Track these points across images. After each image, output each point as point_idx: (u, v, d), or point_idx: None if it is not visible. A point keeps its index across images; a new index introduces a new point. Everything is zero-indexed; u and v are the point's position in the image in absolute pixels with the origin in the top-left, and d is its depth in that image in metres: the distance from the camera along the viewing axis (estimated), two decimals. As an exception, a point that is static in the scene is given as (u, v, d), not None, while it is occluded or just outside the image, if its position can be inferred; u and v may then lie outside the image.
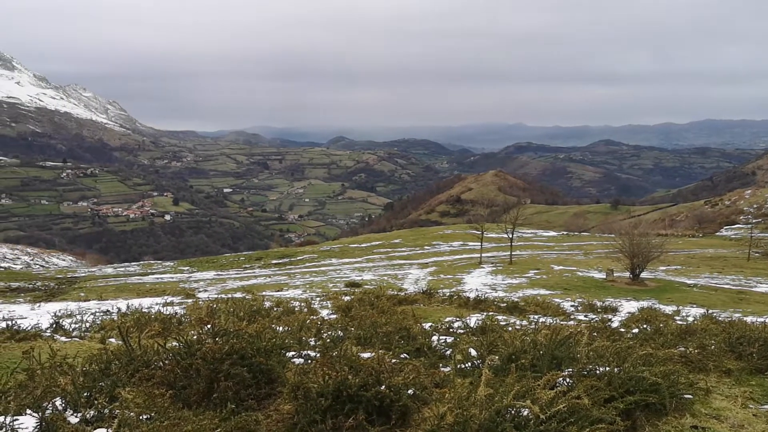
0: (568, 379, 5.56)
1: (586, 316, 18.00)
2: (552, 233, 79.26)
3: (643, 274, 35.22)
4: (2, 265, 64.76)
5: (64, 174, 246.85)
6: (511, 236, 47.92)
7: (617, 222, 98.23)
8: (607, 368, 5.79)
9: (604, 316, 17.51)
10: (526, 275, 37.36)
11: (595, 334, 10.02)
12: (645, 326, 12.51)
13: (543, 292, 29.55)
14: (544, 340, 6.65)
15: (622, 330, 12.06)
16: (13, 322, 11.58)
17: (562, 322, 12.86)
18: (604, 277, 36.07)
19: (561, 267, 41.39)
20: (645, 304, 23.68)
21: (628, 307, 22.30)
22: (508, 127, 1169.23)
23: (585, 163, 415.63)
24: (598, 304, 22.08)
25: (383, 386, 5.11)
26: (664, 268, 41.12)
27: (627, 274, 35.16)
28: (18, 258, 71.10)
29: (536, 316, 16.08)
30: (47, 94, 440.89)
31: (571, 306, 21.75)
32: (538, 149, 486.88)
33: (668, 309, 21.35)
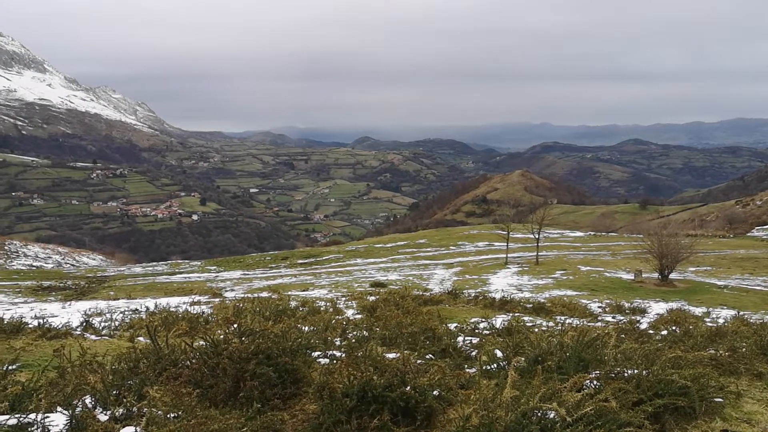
0: (595, 382, 5.50)
1: (613, 317, 17.80)
2: (579, 233, 78.50)
3: (672, 275, 34.73)
4: (34, 264, 66.00)
5: (94, 174, 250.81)
6: (537, 236, 47.57)
7: (645, 222, 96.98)
8: (636, 371, 5.71)
9: (632, 317, 17.30)
10: (553, 276, 37.06)
11: (623, 335, 9.90)
12: (674, 328, 12.34)
13: (569, 293, 29.29)
14: (570, 341, 6.59)
15: (651, 332, 11.91)
16: (45, 320, 11.79)
17: (589, 324, 12.73)
18: (632, 278, 35.63)
19: (588, 268, 40.98)
20: (674, 305, 23.34)
21: (657, 308, 22.00)
22: (534, 127, 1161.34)
23: (613, 163, 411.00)
24: (626, 305, 21.81)
25: (408, 387, 5.10)
26: (694, 269, 40.49)
27: (656, 275, 34.70)
28: (49, 257, 72.40)
29: (563, 318, 15.94)
30: (78, 96, 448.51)
31: (599, 307, 21.52)
32: (564, 149, 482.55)
33: (698, 311, 21.04)
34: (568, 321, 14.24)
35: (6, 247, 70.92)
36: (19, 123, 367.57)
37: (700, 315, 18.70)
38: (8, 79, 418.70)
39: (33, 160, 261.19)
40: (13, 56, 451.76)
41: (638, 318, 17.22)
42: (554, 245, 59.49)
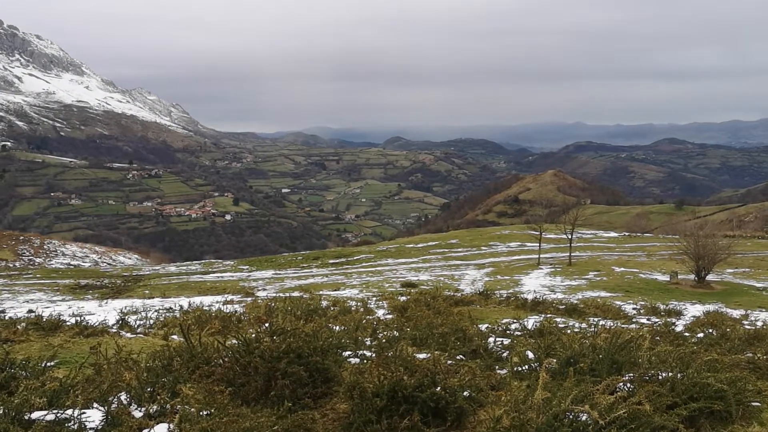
0: (628, 384, 5.43)
1: (648, 319, 17.52)
2: (613, 234, 77.40)
3: (709, 277, 34.06)
4: (72, 263, 67.41)
5: (130, 175, 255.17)
6: (570, 237, 47.03)
7: (682, 223, 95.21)
8: (670, 374, 5.62)
9: (668, 319, 17.00)
10: (586, 277, 36.62)
11: (658, 338, 9.75)
12: (710, 331, 12.11)
13: (603, 294, 28.91)
14: (603, 343, 6.51)
15: (687, 334, 11.71)
16: (82, 318, 12.03)
17: (623, 326, 12.56)
18: (668, 279, 35.03)
19: (622, 269, 40.40)
20: (711, 307, 22.88)
21: (693, 310, 21.59)
22: (567, 126, 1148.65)
23: (648, 163, 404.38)
24: (662, 307, 21.45)
25: (439, 387, 5.09)
26: (732, 270, 39.64)
27: (692, 276, 34.07)
28: (87, 256, 73.86)
29: (596, 319, 15.74)
30: (114, 98, 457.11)
31: (633, 309, 21.20)
32: (598, 148, 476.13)
33: (735, 313, 20.59)
34: (601, 323, 14.06)
35: (45, 246, 72.57)
36: (58, 125, 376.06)
37: (737, 318, 18.31)
38: (47, 82, 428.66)
39: (71, 161, 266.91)
40: (52, 59, 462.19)
41: (674, 320, 16.92)
42: (588, 246, 58.77)
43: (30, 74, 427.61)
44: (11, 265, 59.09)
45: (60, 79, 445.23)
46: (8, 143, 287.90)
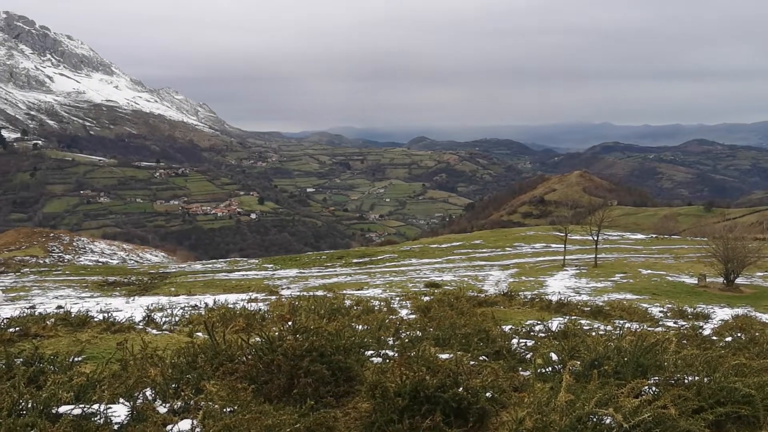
0: (653, 388, 5.36)
1: (675, 322, 17.30)
2: (640, 236, 76.47)
3: (738, 280, 33.49)
4: (100, 260, 68.43)
5: (158, 174, 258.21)
6: (596, 238, 46.58)
7: (710, 225, 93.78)
8: (697, 377, 5.54)
9: (695, 323, 16.77)
10: (612, 279, 36.24)
11: (685, 341, 9.63)
12: (739, 335, 11.93)
13: (629, 296, 28.59)
14: (628, 346, 6.45)
15: (714, 338, 11.54)
16: (109, 314, 12.20)
17: (649, 328, 12.41)
18: (696, 282, 34.51)
19: (649, 271, 39.90)
20: (740, 311, 22.50)
21: (722, 314, 21.25)
22: (593, 127, 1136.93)
23: (676, 164, 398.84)
24: (689, 310, 21.15)
25: (461, 388, 5.08)
26: (762, 274, 38.93)
27: (720, 279, 33.53)
28: (115, 253, 74.94)
29: (622, 322, 15.58)
30: (142, 97, 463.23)
31: (660, 312, 20.94)
32: (625, 149, 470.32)
33: (765, 317, 20.24)
34: (627, 325, 13.91)
35: (74, 244, 73.76)
36: (88, 124, 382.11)
37: (767, 321, 17.99)
38: (78, 82, 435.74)
39: (100, 160, 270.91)
40: (83, 59, 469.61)
41: (701, 323, 16.68)
42: (614, 248, 58.16)
43: (61, 74, 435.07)
44: (41, 262, 60.14)
45: (90, 79, 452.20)
46: (39, 142, 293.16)
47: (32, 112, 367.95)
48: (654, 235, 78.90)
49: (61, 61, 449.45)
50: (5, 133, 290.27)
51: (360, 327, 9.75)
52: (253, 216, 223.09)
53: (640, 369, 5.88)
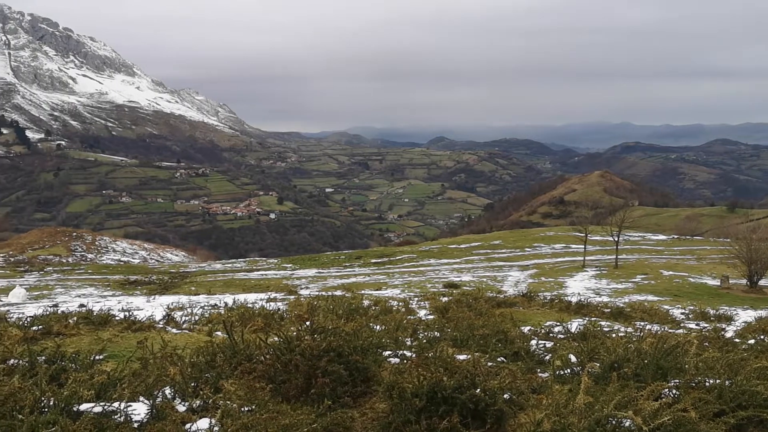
0: (674, 391, 5.31)
1: (697, 324, 17.08)
2: (661, 237, 75.74)
3: (762, 282, 33.03)
4: (122, 259, 69.17)
5: (178, 174, 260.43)
6: (616, 239, 46.19)
7: (734, 226, 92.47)
8: (718, 380, 5.48)
9: (717, 325, 16.54)
10: (633, 280, 35.90)
11: (706, 344, 9.51)
12: (762, 337, 11.75)
13: (651, 298, 28.31)
14: (649, 348, 6.39)
15: (737, 340, 11.38)
16: (130, 313, 12.32)
17: (670, 331, 12.28)
18: (719, 284, 34.09)
19: (671, 272, 39.48)
20: (763, 313, 22.14)
21: (745, 316, 20.94)
22: (614, 126, 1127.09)
23: (698, 164, 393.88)
24: (711, 312, 20.87)
25: (478, 389, 5.06)
26: (787, 275, 38.34)
27: (744, 281, 33.08)
28: (136, 253, 75.69)
29: (642, 323, 15.42)
30: (164, 98, 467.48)
31: (681, 313, 20.68)
32: (646, 149, 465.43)
33: (790, 320, 19.90)
34: (648, 327, 13.77)
35: (97, 243, 74.63)
36: (110, 124, 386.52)
37: (792, 324, 17.68)
38: (100, 83, 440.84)
39: (122, 160, 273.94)
40: (105, 61, 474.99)
41: (723, 326, 16.45)
42: (635, 248, 57.64)
43: (84, 75, 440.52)
44: (64, 261, 60.93)
45: (112, 80, 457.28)
46: (63, 142, 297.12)
47: (56, 113, 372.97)
48: (676, 236, 78.10)
49: (84, 63, 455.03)
50: (29, 134, 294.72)
51: (378, 327, 9.75)
52: (272, 216, 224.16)
53: (660, 371, 5.82)
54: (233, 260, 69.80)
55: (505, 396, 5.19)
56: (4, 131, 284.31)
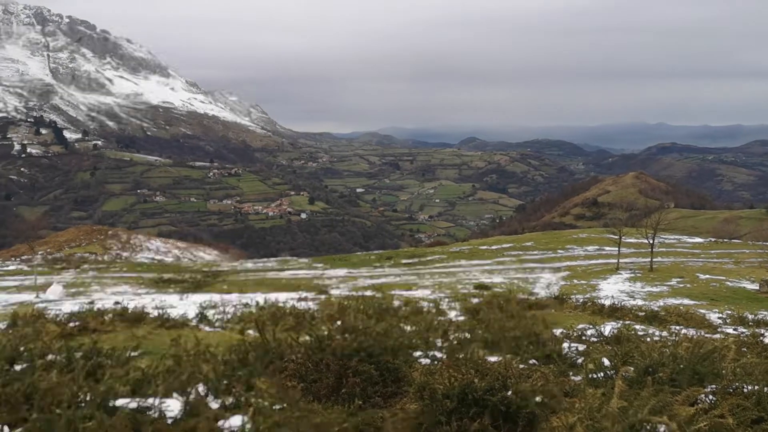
0: (710, 396, 5.21)
1: (735, 329, 16.73)
2: (698, 239, 74.37)
3: (803, 287, 32.18)
4: (156, 257, 70.24)
5: (211, 173, 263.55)
6: (651, 242, 45.46)
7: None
8: (756, 387, 5.35)
9: (756, 330, 16.18)
10: (668, 283, 35.29)
11: (744, 349, 9.31)
12: (803, 344, 11.46)
13: (686, 301, 27.79)
14: (684, 353, 6.27)
15: (776, 346, 11.11)
16: (164, 311, 12.51)
17: (706, 335, 12.05)
18: (758, 288, 33.33)
19: (708, 276, 38.72)
20: (804, 319, 21.61)
21: (784, 321, 20.44)
22: (650, 127, 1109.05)
23: (737, 165, 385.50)
24: (750, 317, 20.41)
25: (510, 392, 5.02)
26: (828, 280, 37.33)
27: (783, 285, 32.28)
28: (169, 251, 76.80)
29: (678, 328, 15.16)
30: (197, 99, 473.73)
31: (718, 318, 20.27)
32: (683, 150, 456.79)
33: (832, 326, 19.37)
34: (683, 331, 13.53)
35: (131, 241, 75.92)
36: (145, 124, 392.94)
37: (834, 330, 17.21)
38: (136, 84, 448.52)
39: (156, 159, 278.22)
40: (141, 62, 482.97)
41: (762, 331, 16.08)
42: (670, 251, 56.67)
43: (120, 76, 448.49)
44: (100, 259, 62.12)
45: (147, 81, 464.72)
46: (99, 142, 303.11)
47: (93, 114, 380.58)
48: (713, 239, 76.55)
49: (120, 64, 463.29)
50: (67, 134, 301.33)
51: (408, 328, 9.75)
52: (303, 215, 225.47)
53: (696, 377, 5.72)
54: (264, 259, 70.39)
55: (537, 399, 5.14)
56: (43, 131, 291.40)
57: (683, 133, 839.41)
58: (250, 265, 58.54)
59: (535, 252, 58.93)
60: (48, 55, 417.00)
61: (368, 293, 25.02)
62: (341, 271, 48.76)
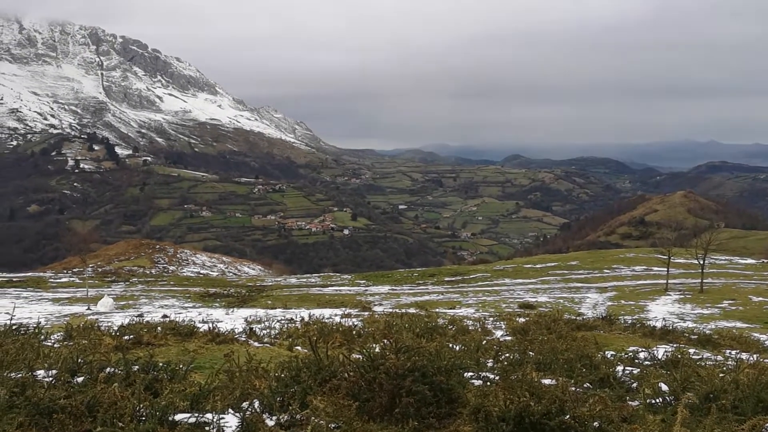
0: (777, 426, 5.02)
1: (793, 355, 16.12)
2: (750, 261, 72.11)
3: None
4: (201, 271, 71.38)
5: (256, 189, 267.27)
6: (702, 262, 44.29)
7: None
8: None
9: (816, 356, 15.56)
10: (719, 305, 34.28)
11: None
12: None
13: (739, 324, 26.95)
14: (746, 379, 6.07)
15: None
16: (213, 325, 12.68)
17: (765, 361, 11.64)
18: (815, 312, 32.11)
19: (761, 298, 37.48)
20: None
21: None
22: (699, 145, 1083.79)
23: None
24: (808, 342, 19.66)
25: (567, 416, 4.93)
26: None
27: (843, 310, 31.05)
28: (215, 266, 77.97)
29: (733, 352, 14.68)
30: (243, 116, 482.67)
31: (774, 342, 19.57)
32: (734, 169, 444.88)
33: None
34: (740, 356, 13.09)
35: (178, 255, 77.36)
36: (193, 141, 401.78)
37: None
38: (185, 101, 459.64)
39: (203, 175, 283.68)
40: (190, 80, 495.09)
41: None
42: (721, 272, 55.07)
43: (169, 94, 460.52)
44: (148, 272, 63.40)
45: (196, 99, 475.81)
46: (149, 158, 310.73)
47: (143, 130, 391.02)
48: (766, 260, 74.16)
49: (170, 82, 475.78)
50: (118, 150, 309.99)
51: (457, 347, 9.67)
52: (346, 232, 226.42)
53: (761, 405, 5.52)
54: (307, 275, 70.87)
55: (595, 424, 5.04)
56: (96, 147, 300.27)
57: (734, 152, 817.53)
58: (293, 280, 58.99)
59: (580, 271, 57.96)
60: (102, 74, 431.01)
61: (411, 311, 24.92)
62: (384, 288, 48.75)
